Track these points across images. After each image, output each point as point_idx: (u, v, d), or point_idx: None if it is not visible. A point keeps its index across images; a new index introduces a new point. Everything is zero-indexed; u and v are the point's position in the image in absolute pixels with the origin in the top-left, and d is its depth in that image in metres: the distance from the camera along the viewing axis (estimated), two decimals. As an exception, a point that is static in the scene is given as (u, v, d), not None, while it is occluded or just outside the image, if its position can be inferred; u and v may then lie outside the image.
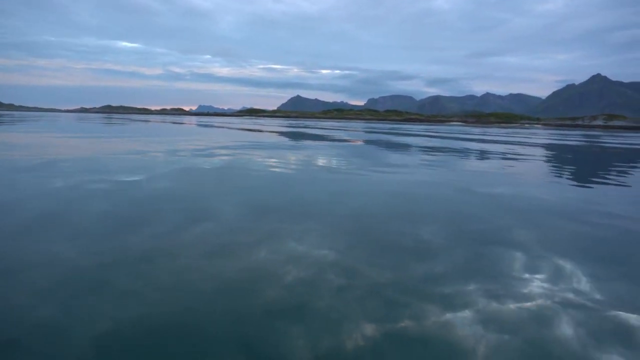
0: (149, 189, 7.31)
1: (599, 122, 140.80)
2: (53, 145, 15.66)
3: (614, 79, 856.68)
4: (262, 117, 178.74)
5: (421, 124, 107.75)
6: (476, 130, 58.73)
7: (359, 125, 72.92)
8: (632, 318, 3.05)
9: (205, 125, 43.78)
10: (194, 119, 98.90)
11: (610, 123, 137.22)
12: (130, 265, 3.82)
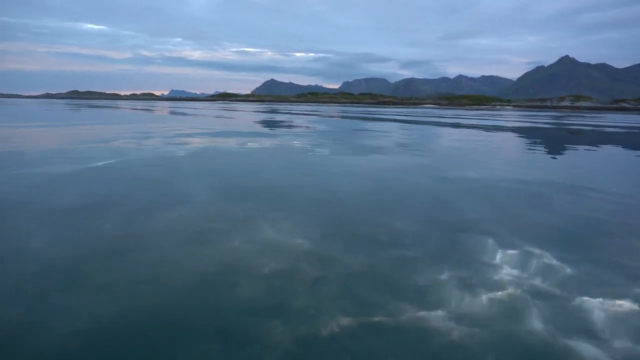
0: (118, 178, 7.18)
1: (567, 103, 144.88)
2: (15, 135, 15.08)
3: (581, 60, 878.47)
4: (235, 102, 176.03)
5: (395, 107, 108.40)
6: (449, 113, 59.46)
7: (332, 109, 72.69)
8: (597, 303, 3.12)
9: (175, 112, 42.87)
10: (166, 104, 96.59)
11: (577, 104, 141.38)
12: (104, 257, 3.73)
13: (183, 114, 36.73)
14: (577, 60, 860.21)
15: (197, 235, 4.36)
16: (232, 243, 4.15)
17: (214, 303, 2.98)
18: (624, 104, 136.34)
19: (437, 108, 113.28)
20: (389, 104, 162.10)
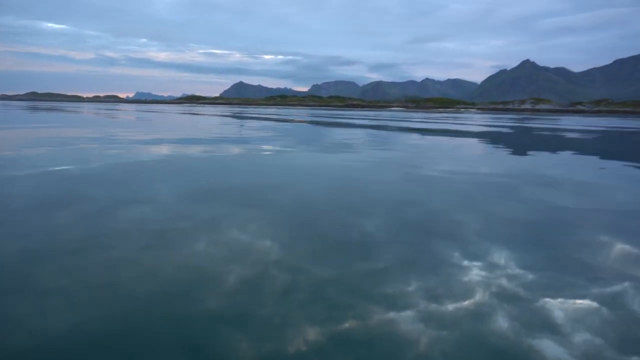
0: (75, 178, 6.82)
1: (527, 106, 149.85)
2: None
3: (541, 64, 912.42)
4: (202, 105, 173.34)
5: (363, 110, 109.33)
6: (415, 116, 60.28)
7: (301, 112, 72.48)
8: (560, 303, 3.17)
9: (140, 116, 41.63)
10: (131, 106, 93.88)
11: (537, 106, 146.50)
12: (57, 258, 3.46)
13: (147, 119, 35.52)
14: (537, 64, 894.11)
15: (161, 238, 4.17)
16: (197, 246, 3.97)
17: (177, 311, 2.79)
18: (580, 107, 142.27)
19: (404, 111, 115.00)
20: (356, 107, 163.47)
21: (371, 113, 72.73)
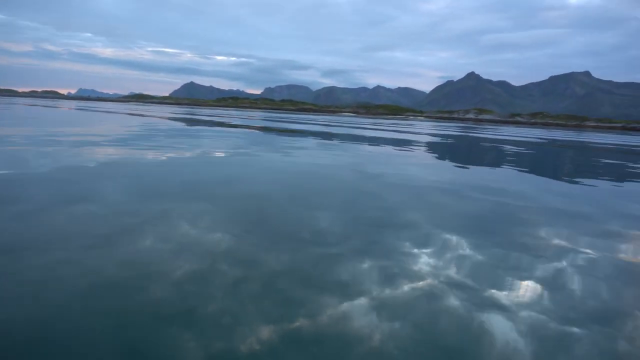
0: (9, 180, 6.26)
1: (471, 116, 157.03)
2: None
3: (485, 77, 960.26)
4: (149, 104, 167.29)
5: (314, 114, 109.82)
6: (365, 121, 61.30)
7: (252, 114, 71.64)
8: (506, 286, 3.38)
9: (76, 113, 39.45)
10: (72, 103, 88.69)
11: (480, 117, 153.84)
12: None
13: (70, 115, 33.70)
14: (481, 77, 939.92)
15: (103, 235, 3.99)
16: (142, 243, 3.83)
17: (120, 310, 2.66)
18: (519, 118, 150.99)
19: (355, 116, 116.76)
20: (308, 111, 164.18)
21: (320, 117, 73.14)
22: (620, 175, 12.01)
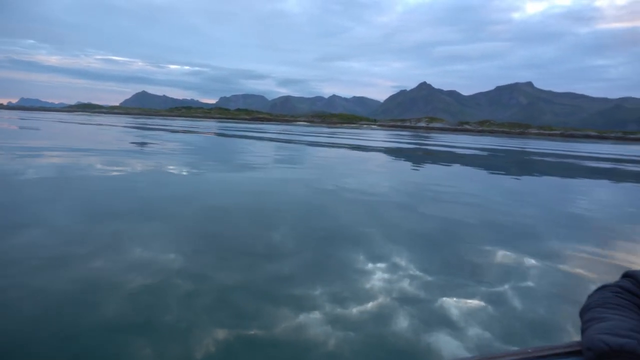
0: None
1: (423, 124, 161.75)
2: None
3: (436, 87, 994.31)
4: (97, 114, 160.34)
5: (269, 123, 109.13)
6: (313, 130, 61.26)
7: (201, 124, 69.90)
8: (452, 300, 3.51)
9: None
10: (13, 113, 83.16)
11: (431, 125, 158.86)
12: None
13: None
14: (433, 87, 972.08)
15: (54, 257, 3.89)
16: (94, 264, 3.78)
17: (71, 327, 2.64)
18: (467, 126, 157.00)
19: (309, 125, 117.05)
20: (263, 120, 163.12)
21: (274, 127, 72.58)
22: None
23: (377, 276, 3.85)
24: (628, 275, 1.00)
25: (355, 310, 3.13)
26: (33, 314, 2.76)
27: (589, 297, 1.00)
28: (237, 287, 3.40)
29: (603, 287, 1.00)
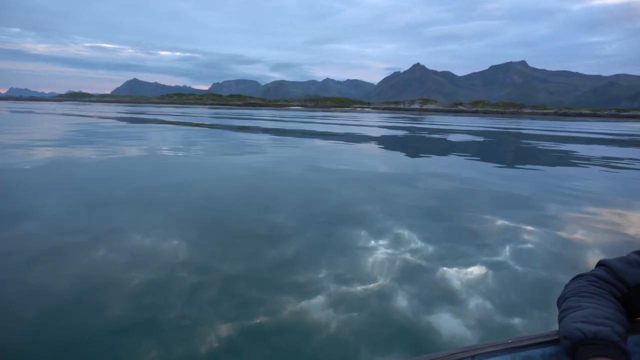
0: None
1: (416, 106, 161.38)
2: None
3: (430, 67, 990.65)
4: (87, 103, 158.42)
5: (263, 109, 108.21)
6: (302, 115, 60.73)
7: (191, 111, 69.07)
8: (455, 272, 3.57)
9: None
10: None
11: (425, 106, 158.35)
12: None
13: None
14: (426, 68, 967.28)
15: (52, 250, 3.76)
16: (95, 255, 3.65)
17: (74, 327, 2.50)
18: (461, 107, 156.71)
19: (303, 110, 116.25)
20: (257, 106, 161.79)
21: (269, 112, 71.92)
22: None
23: (380, 253, 3.90)
24: (602, 264, 1.03)
25: (359, 288, 3.14)
26: (32, 315, 2.63)
27: (566, 286, 1.04)
28: (240, 275, 3.35)
29: (579, 277, 1.04)
